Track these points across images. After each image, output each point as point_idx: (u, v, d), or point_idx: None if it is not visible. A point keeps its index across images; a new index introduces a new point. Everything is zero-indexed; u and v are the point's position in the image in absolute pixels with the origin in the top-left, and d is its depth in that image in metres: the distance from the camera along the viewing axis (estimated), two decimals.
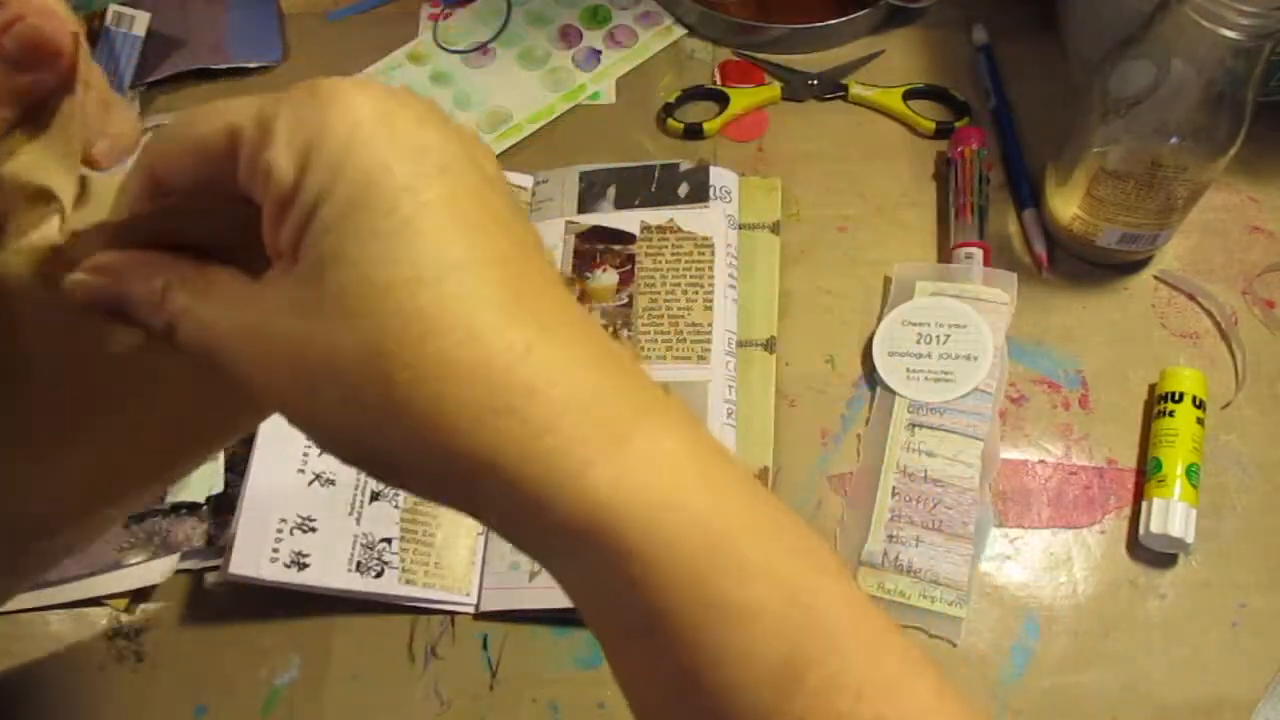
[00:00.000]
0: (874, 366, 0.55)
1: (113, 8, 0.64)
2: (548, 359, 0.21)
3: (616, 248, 0.57)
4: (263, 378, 0.23)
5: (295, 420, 0.23)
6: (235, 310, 0.23)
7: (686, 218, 0.57)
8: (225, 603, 0.50)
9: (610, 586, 0.22)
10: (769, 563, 0.22)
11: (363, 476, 0.52)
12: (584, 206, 0.59)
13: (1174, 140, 0.49)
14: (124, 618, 0.49)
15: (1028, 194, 0.60)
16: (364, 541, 0.50)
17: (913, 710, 0.23)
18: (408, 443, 0.21)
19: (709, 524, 0.22)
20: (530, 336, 0.21)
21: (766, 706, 0.22)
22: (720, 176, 0.59)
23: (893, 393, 0.54)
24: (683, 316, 0.55)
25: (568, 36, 0.68)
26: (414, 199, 0.21)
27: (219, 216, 0.25)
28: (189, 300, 0.24)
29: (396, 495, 0.51)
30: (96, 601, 0.50)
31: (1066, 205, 0.56)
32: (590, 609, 0.23)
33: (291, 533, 0.50)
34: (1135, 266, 0.59)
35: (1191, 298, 0.58)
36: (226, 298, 0.24)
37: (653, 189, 0.59)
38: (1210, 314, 0.57)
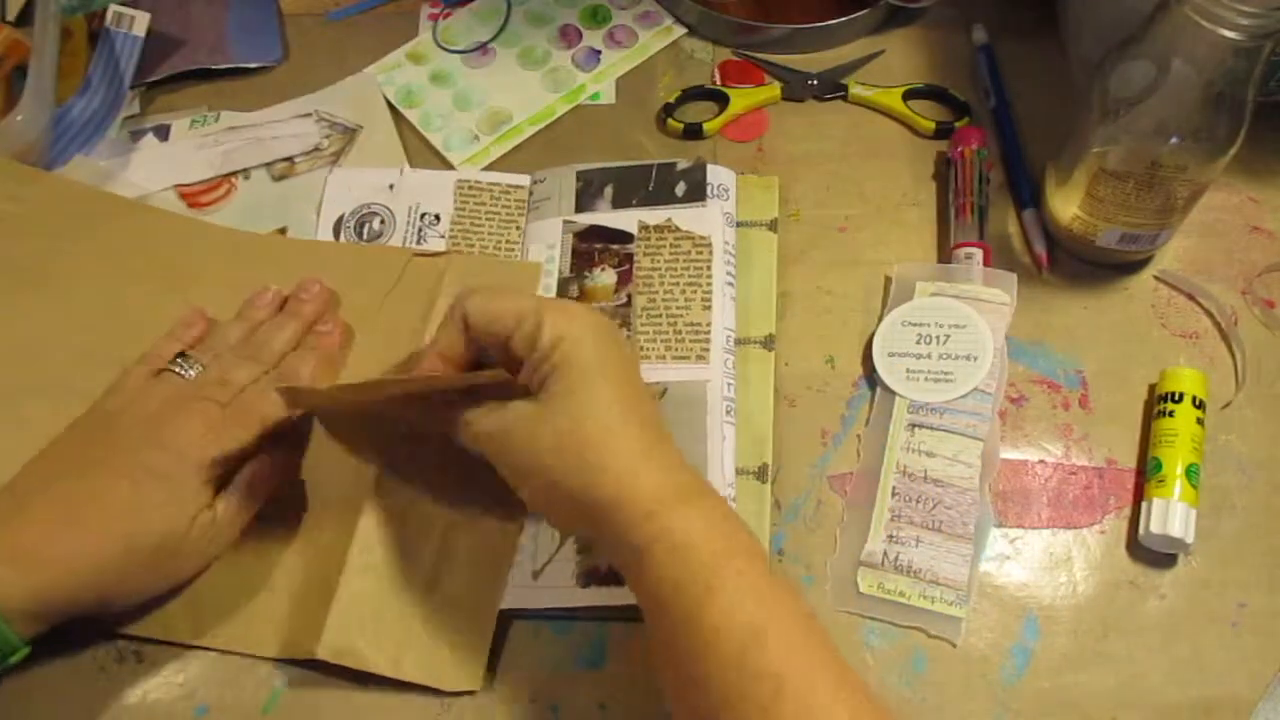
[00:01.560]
0: (874, 366, 0.55)
1: (113, 8, 0.64)
2: (646, 484, 0.40)
3: (614, 247, 0.57)
4: (502, 460, 0.43)
5: (517, 484, 0.43)
6: (491, 417, 0.43)
7: (684, 217, 0.57)
8: None
9: (647, 589, 0.40)
10: (730, 581, 0.38)
11: None
12: (581, 206, 0.59)
13: (1174, 140, 0.49)
14: None
15: (1028, 194, 0.60)
16: None
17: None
18: (568, 513, 0.43)
19: (701, 556, 0.39)
20: (640, 469, 0.40)
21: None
22: (718, 175, 0.59)
23: (893, 393, 0.54)
24: (681, 315, 0.55)
25: (567, 36, 0.68)
26: (601, 379, 0.41)
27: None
28: (473, 411, 0.44)
29: None
30: None
31: (1066, 205, 0.56)
32: (643, 602, 0.41)
33: None
34: (1135, 266, 0.59)
35: (1191, 298, 0.58)
36: (486, 407, 0.43)
37: (650, 188, 0.59)
38: (1210, 314, 0.57)
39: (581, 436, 0.40)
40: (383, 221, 0.59)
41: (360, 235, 0.59)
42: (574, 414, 0.41)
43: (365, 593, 0.47)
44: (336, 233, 0.60)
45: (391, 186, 0.61)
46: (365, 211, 0.60)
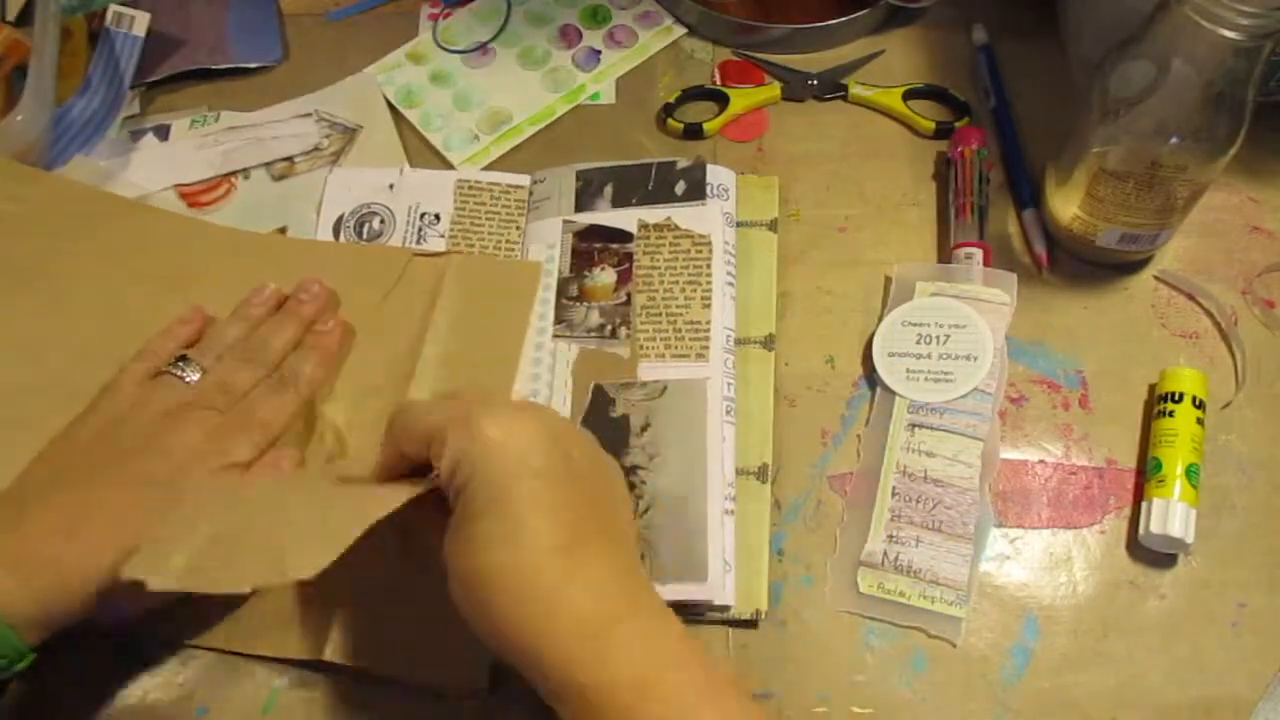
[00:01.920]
0: (874, 366, 0.55)
1: (113, 8, 0.64)
2: (576, 604, 0.36)
3: (614, 246, 0.57)
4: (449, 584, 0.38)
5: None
6: (423, 535, 0.41)
7: (684, 216, 0.57)
8: None
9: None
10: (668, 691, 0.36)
11: None
12: (581, 205, 0.59)
13: (1174, 140, 0.49)
14: None
15: (1028, 194, 0.60)
16: None
17: None
18: (492, 641, 0.37)
19: (635, 680, 0.36)
20: (566, 588, 0.36)
21: None
22: (717, 174, 0.59)
23: (893, 393, 0.54)
24: (681, 314, 0.55)
25: (567, 36, 0.68)
26: (517, 497, 0.37)
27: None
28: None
29: None
30: None
31: (1066, 205, 0.56)
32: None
33: None
34: (1135, 266, 0.59)
35: (1191, 298, 0.58)
36: (430, 522, 0.40)
37: (649, 187, 0.59)
38: (1210, 314, 0.57)
39: (476, 576, 0.37)
40: (383, 221, 0.60)
41: (360, 235, 0.59)
42: (465, 549, 0.37)
43: (370, 593, 0.47)
44: (336, 232, 0.60)
45: (391, 186, 0.61)
46: (365, 211, 0.60)
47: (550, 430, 0.39)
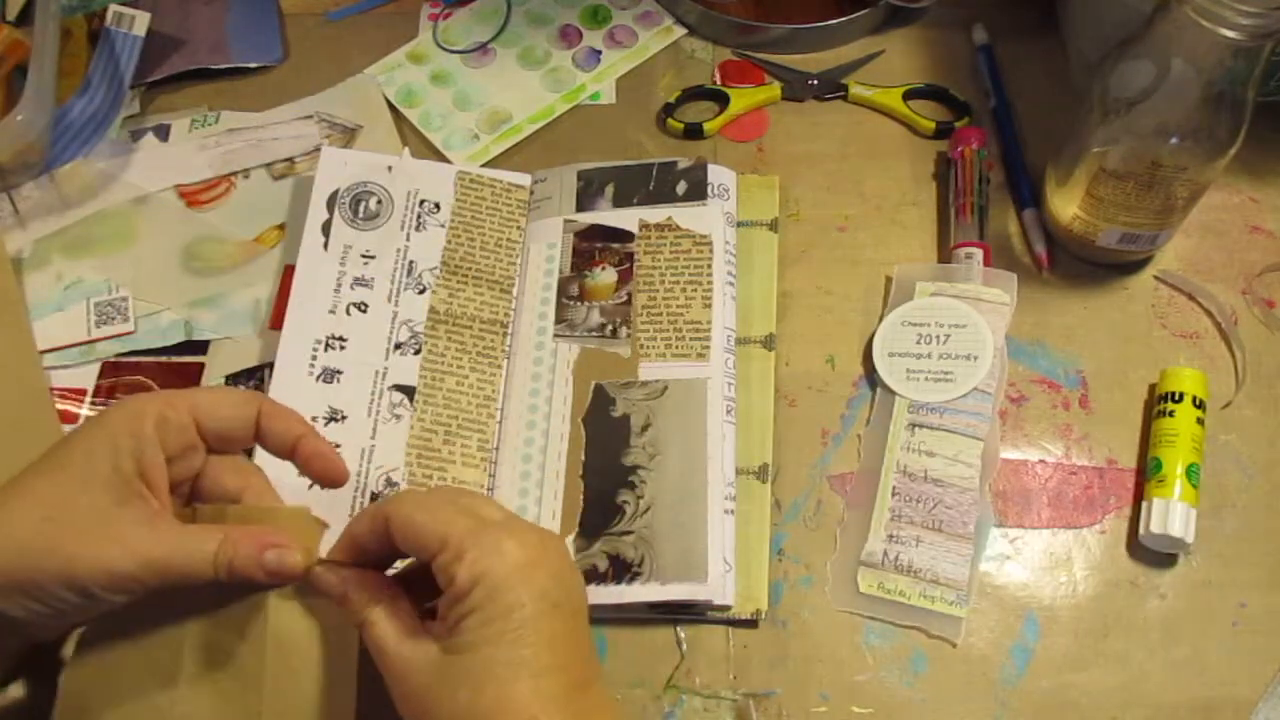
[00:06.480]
0: (874, 366, 0.55)
1: (113, 8, 0.64)
2: None
3: (615, 246, 0.57)
4: (394, 688, 0.36)
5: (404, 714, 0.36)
6: (400, 638, 0.37)
7: (684, 216, 0.57)
8: None
9: None
10: None
11: (364, 479, 0.52)
12: (582, 205, 0.59)
13: (1174, 140, 0.49)
14: None
15: (1028, 194, 0.60)
16: None
17: None
18: None
19: None
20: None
21: None
22: (718, 174, 0.59)
23: (893, 393, 0.54)
24: (682, 314, 0.55)
25: (568, 36, 0.68)
26: (519, 640, 0.35)
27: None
28: (379, 615, 0.38)
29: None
30: None
31: (1066, 205, 0.56)
32: None
33: None
34: (1135, 266, 0.59)
35: (1191, 298, 0.58)
36: (390, 627, 0.37)
37: (650, 187, 0.59)
38: (1210, 314, 0.57)
39: (482, 709, 0.34)
40: (379, 202, 0.59)
41: (356, 213, 0.58)
42: (477, 679, 0.35)
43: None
44: (330, 208, 0.58)
45: (390, 169, 0.60)
46: (361, 190, 0.59)
47: (566, 561, 0.38)
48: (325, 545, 0.41)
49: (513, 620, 0.35)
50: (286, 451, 0.42)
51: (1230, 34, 0.44)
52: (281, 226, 0.61)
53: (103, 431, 0.38)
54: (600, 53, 0.68)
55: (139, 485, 0.38)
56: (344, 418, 0.53)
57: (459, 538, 0.36)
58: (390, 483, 0.52)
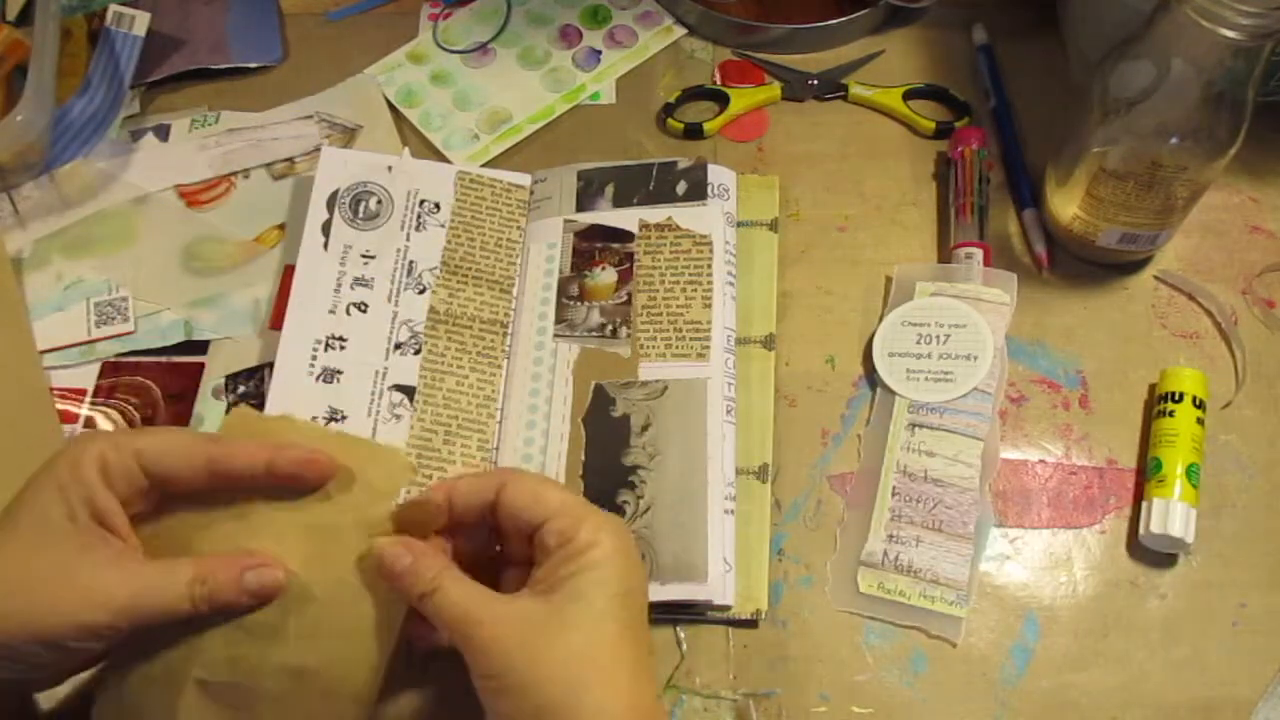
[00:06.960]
0: (874, 366, 0.55)
1: (113, 8, 0.64)
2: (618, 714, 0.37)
3: (615, 246, 0.57)
4: (496, 650, 0.37)
5: (488, 687, 0.38)
6: (487, 596, 0.39)
7: (684, 216, 0.57)
8: None
9: None
10: None
11: None
12: (582, 205, 0.59)
13: (1174, 140, 0.49)
14: None
15: (1028, 194, 0.60)
16: None
17: None
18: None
19: None
20: (617, 704, 0.37)
21: None
22: (718, 174, 0.59)
23: (893, 393, 0.54)
24: (682, 314, 0.55)
25: (568, 36, 0.68)
26: (620, 602, 0.38)
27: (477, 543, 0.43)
28: (449, 581, 0.39)
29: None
30: None
31: (1066, 205, 0.56)
32: None
33: None
34: (1135, 266, 0.59)
35: (1191, 298, 0.58)
36: (472, 589, 0.39)
37: (650, 187, 0.59)
38: (1210, 314, 0.57)
39: (591, 656, 0.37)
40: (379, 202, 0.59)
41: (356, 213, 0.58)
42: (588, 630, 0.38)
43: None
44: (330, 208, 0.58)
45: (390, 168, 0.60)
46: (361, 189, 0.59)
47: (640, 557, 0.42)
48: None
49: (618, 586, 0.39)
50: (260, 480, 0.40)
51: (1230, 34, 0.44)
52: (281, 226, 0.61)
53: (50, 482, 0.38)
54: (600, 53, 0.68)
55: (98, 530, 0.38)
56: (344, 418, 0.53)
57: (577, 505, 0.40)
58: None
